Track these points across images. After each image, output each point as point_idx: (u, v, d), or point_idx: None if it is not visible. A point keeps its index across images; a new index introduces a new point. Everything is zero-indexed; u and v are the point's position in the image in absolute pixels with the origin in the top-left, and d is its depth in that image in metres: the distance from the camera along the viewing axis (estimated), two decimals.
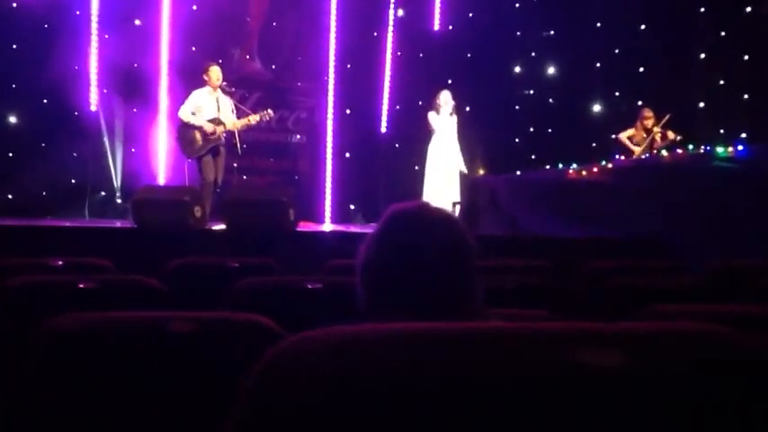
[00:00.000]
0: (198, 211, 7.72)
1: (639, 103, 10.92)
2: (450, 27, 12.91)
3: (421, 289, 1.65)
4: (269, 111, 9.77)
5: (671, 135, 9.90)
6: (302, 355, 0.98)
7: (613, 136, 10.60)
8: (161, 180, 11.17)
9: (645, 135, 10.11)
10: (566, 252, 6.32)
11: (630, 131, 10.28)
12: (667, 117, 9.90)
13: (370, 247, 1.73)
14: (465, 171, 10.05)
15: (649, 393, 0.97)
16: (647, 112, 10.17)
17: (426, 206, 1.76)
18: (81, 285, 2.81)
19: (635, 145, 10.13)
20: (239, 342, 1.93)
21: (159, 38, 11.44)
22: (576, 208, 8.76)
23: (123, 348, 1.92)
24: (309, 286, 2.95)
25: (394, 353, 0.97)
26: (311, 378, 0.96)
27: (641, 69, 11.72)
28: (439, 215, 1.74)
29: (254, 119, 9.53)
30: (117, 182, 11.55)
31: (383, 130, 12.64)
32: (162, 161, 11.28)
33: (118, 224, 9.06)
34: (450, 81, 11.89)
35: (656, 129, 9.95)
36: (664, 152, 9.28)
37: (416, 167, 11.13)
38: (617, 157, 10.07)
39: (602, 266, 4.24)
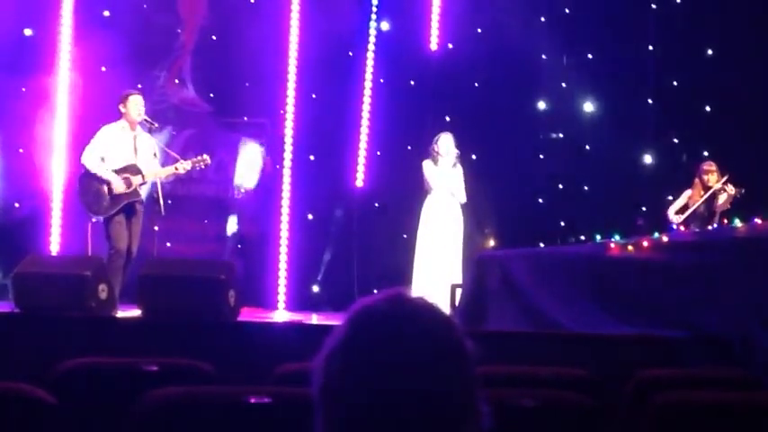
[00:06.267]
0: (103, 291, 7.65)
1: (705, 153, 11.02)
2: (452, 46, 13.00)
3: (399, 419, 1.63)
4: (204, 156, 9.77)
5: (731, 190, 10.05)
6: None
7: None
8: (53, 247, 11.11)
9: (704, 194, 10.24)
10: (608, 357, 6.31)
11: (685, 196, 10.43)
12: (725, 178, 10.06)
13: (330, 361, 1.69)
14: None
15: None
16: (708, 165, 10.31)
17: (406, 302, 1.72)
18: None
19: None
20: None
21: (57, 54, 11.46)
22: (621, 296, 8.75)
23: None
24: (253, 400, 2.93)
25: None
26: None
27: (708, 108, 11.84)
28: (425, 314, 1.71)
29: (183, 167, 9.53)
30: None
31: (359, 183, 12.66)
32: (56, 221, 11.22)
33: None
34: (450, 119, 11.96)
35: (717, 185, 10.10)
36: (738, 222, 9.34)
37: (405, 236, 11.11)
38: (674, 226, 10.13)
39: (658, 376, 4.26)
